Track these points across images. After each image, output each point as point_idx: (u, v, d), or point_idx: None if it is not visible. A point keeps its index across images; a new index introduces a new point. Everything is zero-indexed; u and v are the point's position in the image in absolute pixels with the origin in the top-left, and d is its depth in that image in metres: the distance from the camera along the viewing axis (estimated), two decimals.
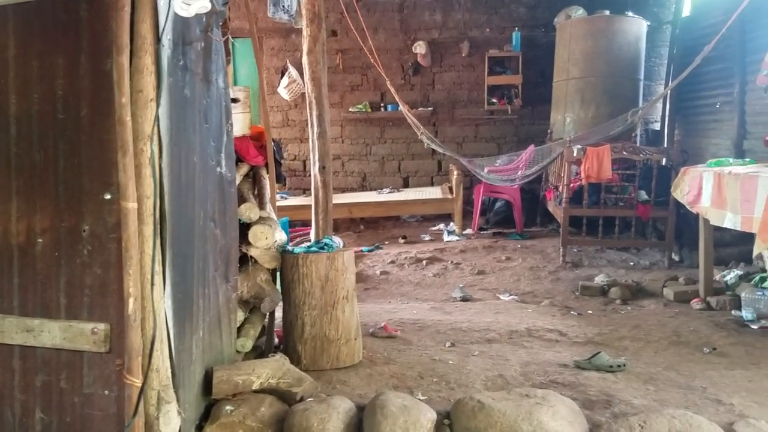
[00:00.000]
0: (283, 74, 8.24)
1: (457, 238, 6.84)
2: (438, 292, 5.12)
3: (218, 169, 2.55)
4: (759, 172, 3.66)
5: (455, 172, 6.95)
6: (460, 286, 5.24)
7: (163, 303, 1.93)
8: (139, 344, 1.85)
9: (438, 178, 8.50)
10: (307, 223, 5.96)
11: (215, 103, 2.54)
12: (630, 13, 6.78)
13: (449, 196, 7.02)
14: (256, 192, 3.11)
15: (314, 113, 5.27)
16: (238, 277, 2.85)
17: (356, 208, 7.02)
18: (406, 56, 8.30)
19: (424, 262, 5.84)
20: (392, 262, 5.89)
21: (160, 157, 1.95)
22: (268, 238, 2.83)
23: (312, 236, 5.41)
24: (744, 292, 4.19)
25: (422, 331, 3.78)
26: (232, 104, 3.04)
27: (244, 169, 3.13)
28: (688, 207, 4.43)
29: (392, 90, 6.80)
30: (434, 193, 7.55)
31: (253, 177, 3.22)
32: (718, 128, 6.30)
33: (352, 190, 8.62)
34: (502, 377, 3.01)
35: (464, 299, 4.80)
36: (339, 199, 7.53)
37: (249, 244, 2.87)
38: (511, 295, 4.96)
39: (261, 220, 2.86)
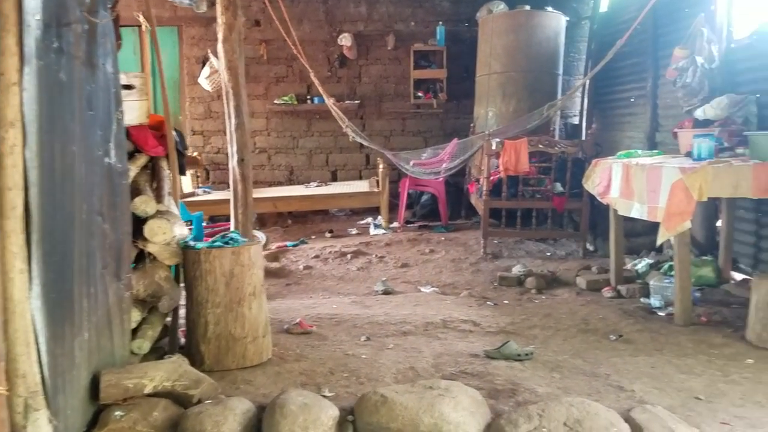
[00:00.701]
0: (204, 64, 7.98)
1: (384, 231, 6.82)
2: (361, 286, 5.07)
3: (106, 160, 2.39)
4: (663, 163, 3.79)
5: (381, 166, 6.92)
6: (383, 279, 5.20)
7: (30, 304, 1.78)
8: (2, 349, 1.70)
9: (366, 172, 8.46)
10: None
11: (102, 89, 2.38)
12: (550, 9, 6.92)
13: (376, 190, 6.98)
14: (154, 185, 2.95)
15: (231, 104, 5.10)
16: (134, 275, 2.71)
17: (281, 202, 6.88)
18: (332, 48, 8.20)
19: (349, 256, 5.79)
20: (316, 256, 5.80)
21: (25, 145, 1.79)
22: (166, 233, 2.69)
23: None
24: (653, 280, 4.35)
25: (339, 326, 3.72)
26: (127, 91, 2.88)
27: (142, 160, 2.97)
28: (598, 198, 4.55)
29: (316, 82, 6.70)
30: (361, 186, 7.50)
31: (153, 169, 3.06)
32: (633, 121, 6.53)
33: (280, 183, 8.47)
34: (413, 369, 2.99)
35: (386, 292, 4.77)
36: (264, 193, 7.38)
37: (146, 239, 2.73)
38: (432, 287, 4.98)
39: (158, 214, 2.72)
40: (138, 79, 2.96)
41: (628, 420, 2.31)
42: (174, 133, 3.17)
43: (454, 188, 7.56)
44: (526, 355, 3.15)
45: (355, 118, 8.33)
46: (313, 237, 6.89)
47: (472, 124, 7.37)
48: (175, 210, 2.98)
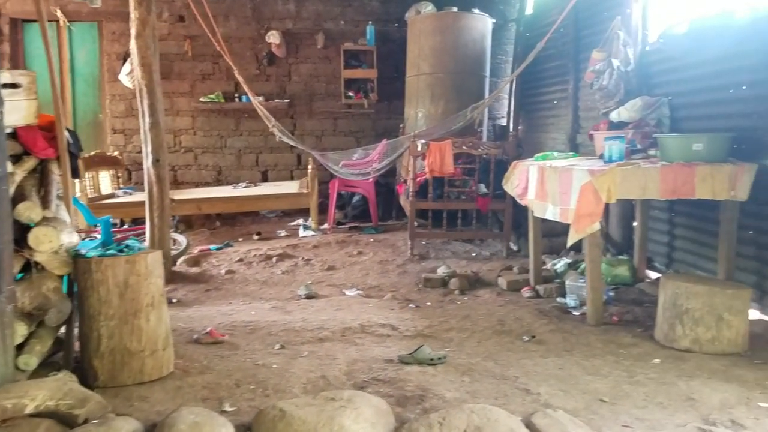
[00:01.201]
0: (125, 60, 7.66)
1: (313, 233, 6.71)
2: (284, 291, 4.96)
3: None
4: (575, 166, 3.86)
5: (310, 167, 6.81)
6: (308, 283, 5.11)
7: None
8: None
9: (298, 172, 8.32)
10: None
11: None
12: (476, 11, 6.98)
13: (305, 191, 6.86)
14: (42, 190, 2.76)
15: (145, 102, 4.91)
16: (19, 287, 2.52)
17: (205, 204, 6.67)
18: (260, 45, 8.03)
19: (274, 259, 5.66)
20: (240, 260, 5.64)
21: None
22: (52, 241, 2.52)
23: (147, 236, 5.04)
24: (568, 280, 4.43)
25: (253, 334, 3.61)
26: (13, 90, 2.68)
27: (30, 163, 2.77)
28: (517, 200, 4.60)
29: (241, 80, 6.53)
30: (291, 187, 7.36)
31: (42, 172, 2.86)
32: (556, 123, 6.67)
33: (207, 184, 8.23)
34: (324, 378, 2.92)
35: (309, 297, 4.67)
36: (188, 194, 7.15)
37: (32, 248, 2.54)
38: (357, 290, 4.91)
39: (44, 221, 2.54)
40: (25, 77, 2.76)
41: (529, 425, 2.30)
42: (67, 133, 2.97)
43: (386, 189, 7.53)
44: (439, 359, 3.13)
45: (286, 118, 8.19)
46: (241, 239, 6.72)
47: (402, 125, 7.36)
48: (65, 216, 2.79)
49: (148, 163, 4.96)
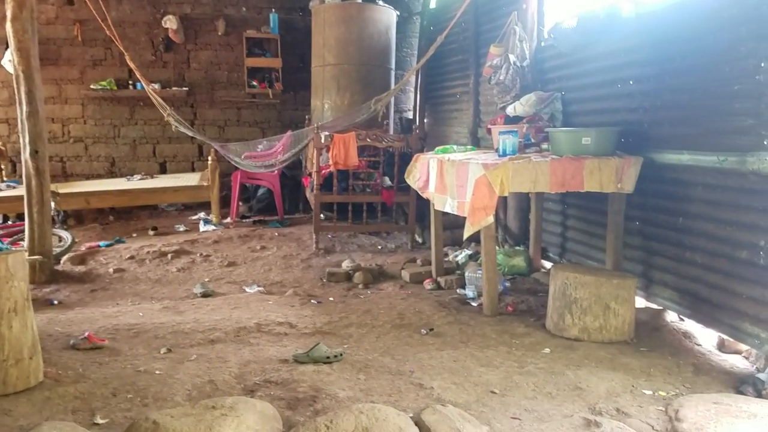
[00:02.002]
0: (7, 46, 7.01)
1: (214, 227, 6.46)
2: (179, 289, 4.73)
3: None
4: (471, 159, 3.89)
5: (210, 158, 6.54)
6: (206, 280, 4.91)
7: None
8: None
9: (200, 164, 7.99)
10: None
11: None
12: (380, 2, 6.92)
13: (205, 183, 6.58)
14: None
15: (23, 89, 4.54)
16: None
17: (94, 198, 6.25)
18: (156, 30, 7.62)
19: (170, 255, 5.38)
20: (132, 257, 5.32)
21: None
22: None
23: (26, 233, 4.66)
24: (468, 271, 4.49)
25: (137, 338, 3.39)
26: None
27: None
28: (419, 193, 4.61)
29: (133, 66, 6.17)
30: (191, 179, 7.05)
31: None
32: (459, 117, 6.76)
33: (99, 176, 7.74)
34: (212, 383, 2.77)
35: (205, 295, 4.48)
36: (76, 187, 6.69)
37: None
38: (258, 286, 4.76)
39: None
40: None
41: (419, 423, 2.28)
42: None
43: (292, 181, 7.38)
44: (335, 357, 3.06)
45: (185, 107, 7.84)
46: (135, 235, 6.36)
47: (307, 116, 7.22)
48: None
49: (26, 154, 4.57)
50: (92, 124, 7.68)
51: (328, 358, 3.04)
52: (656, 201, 3.76)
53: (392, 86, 7.04)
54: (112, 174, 7.75)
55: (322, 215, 6.02)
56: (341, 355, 3.08)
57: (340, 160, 5.44)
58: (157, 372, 2.88)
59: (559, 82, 4.88)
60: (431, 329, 3.55)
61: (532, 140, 4.50)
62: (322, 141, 5.46)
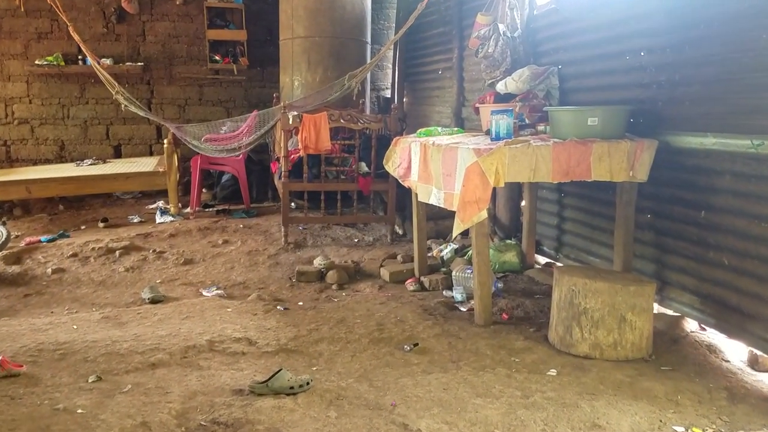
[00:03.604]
0: None
1: (172, 218, 5.84)
2: (125, 294, 4.14)
3: None
4: (460, 143, 3.35)
5: (166, 141, 5.90)
6: (157, 281, 4.33)
7: None
8: None
9: (158, 147, 7.31)
10: None
11: None
12: None
13: (161, 169, 5.95)
14: None
15: None
16: None
17: (36, 186, 5.56)
18: (107, 0, 6.87)
19: (118, 252, 4.76)
20: (74, 254, 4.69)
21: None
22: None
23: None
24: (455, 270, 3.98)
25: (63, 361, 2.81)
26: None
27: None
28: (400, 181, 4.06)
29: (77, 37, 5.49)
30: (147, 164, 6.40)
31: None
32: (441, 96, 6.21)
33: (48, 161, 7.04)
34: (145, 426, 2.22)
35: (154, 301, 3.90)
36: (16, 174, 6.00)
37: None
38: (218, 288, 4.19)
39: None
40: None
41: None
42: None
43: (260, 167, 6.78)
44: (301, 386, 2.52)
45: (141, 84, 7.16)
46: (83, 227, 5.72)
47: (275, 94, 6.60)
48: None
49: None
50: (38, 103, 6.95)
51: (291, 388, 2.50)
52: (672, 191, 3.27)
53: (368, 61, 6.44)
54: (61, 159, 7.05)
55: (292, 204, 5.47)
56: (308, 383, 2.55)
57: (310, 143, 4.86)
58: (79, 411, 2.32)
59: (555, 54, 4.34)
60: (416, 344, 3.03)
61: (527, 121, 3.98)
62: (290, 122, 4.86)
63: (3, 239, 4.63)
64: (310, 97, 5.42)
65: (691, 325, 3.18)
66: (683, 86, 3.17)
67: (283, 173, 5.03)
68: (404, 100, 7.03)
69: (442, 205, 3.40)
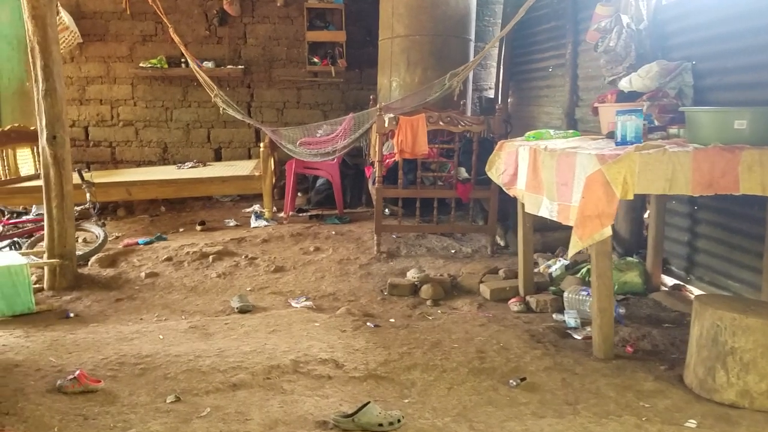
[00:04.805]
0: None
1: (266, 223, 5.75)
2: (215, 301, 4.02)
3: None
4: (578, 148, 2.92)
5: (262, 145, 5.83)
6: (247, 289, 4.19)
7: None
8: None
9: (257, 150, 7.26)
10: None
11: None
12: None
13: (257, 173, 5.88)
14: None
15: (38, 64, 3.92)
16: None
17: (136, 188, 5.65)
18: (209, 2, 6.96)
19: (211, 257, 4.69)
20: (168, 258, 4.67)
21: None
22: None
23: (46, 232, 4.08)
24: (567, 291, 3.53)
25: (143, 377, 2.67)
26: None
27: None
28: (504, 189, 3.66)
29: (177, 39, 5.51)
30: (244, 168, 6.37)
31: None
32: (551, 95, 5.72)
33: (151, 163, 7.22)
34: None
35: (242, 310, 3.74)
36: (116, 176, 6.14)
37: None
38: (307, 299, 3.99)
39: None
40: None
41: None
42: None
43: (354, 171, 6.57)
44: (391, 424, 2.22)
45: (242, 87, 7.18)
46: (182, 230, 5.75)
47: (372, 96, 6.38)
48: None
49: (43, 140, 3.96)
50: (143, 106, 7.14)
51: (380, 425, 2.20)
52: None
53: (472, 60, 6.06)
54: (164, 161, 7.21)
55: (385, 210, 5.20)
56: (399, 421, 2.24)
57: (406, 147, 4.55)
58: None
59: (688, 48, 3.79)
60: (523, 378, 2.63)
61: (656, 122, 3.46)
62: (386, 125, 4.58)
63: (100, 242, 4.69)
64: (408, 98, 5.13)
65: None
66: None
67: (376, 178, 4.77)
68: (509, 100, 6.58)
69: (555, 219, 2.98)
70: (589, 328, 3.21)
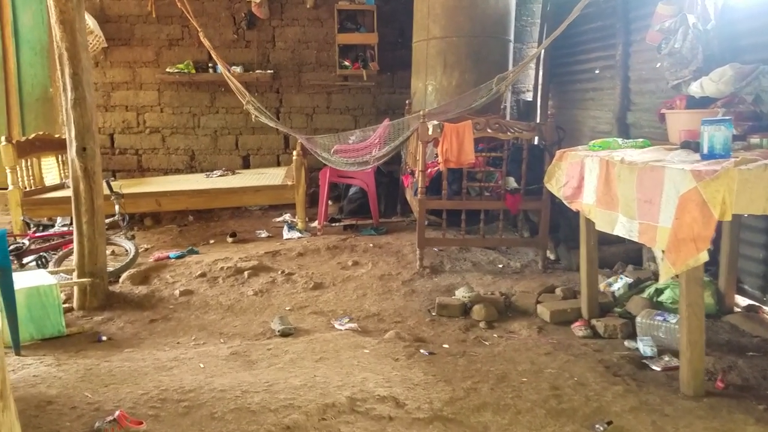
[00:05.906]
0: None
1: (299, 234, 5.53)
2: (254, 321, 3.79)
3: None
4: (663, 161, 2.63)
5: (295, 153, 5.60)
6: (287, 308, 3.96)
7: None
8: None
9: (285, 157, 7.11)
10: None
11: None
12: None
13: (289, 182, 5.65)
14: None
15: (67, 71, 3.71)
16: None
17: (166, 199, 5.44)
18: (237, 5, 6.76)
19: (246, 273, 4.46)
20: (203, 274, 4.45)
21: None
22: None
23: (75, 248, 3.87)
24: (639, 316, 3.25)
25: (188, 417, 2.43)
26: None
27: None
28: (566, 203, 3.39)
29: (207, 44, 5.30)
30: (275, 176, 6.15)
31: None
32: (598, 98, 5.44)
33: (178, 171, 7.03)
34: None
35: (284, 334, 3.50)
36: (144, 186, 5.95)
37: None
38: (350, 320, 3.74)
39: None
40: None
41: None
42: None
43: (388, 179, 6.34)
44: None
45: (270, 92, 6.96)
46: (212, 242, 5.54)
47: (408, 101, 6.13)
48: None
49: (72, 152, 3.76)
50: (169, 112, 6.95)
51: None
52: None
53: (510, 62, 5.79)
54: (191, 169, 7.01)
55: (426, 222, 4.93)
56: None
57: (451, 156, 4.30)
58: None
59: (763, 50, 3.50)
60: (609, 422, 2.36)
61: (734, 131, 3.16)
62: (430, 132, 4.32)
63: (131, 257, 4.48)
64: (451, 103, 4.87)
65: None
66: None
67: (419, 189, 4.51)
68: (549, 103, 6.30)
69: (635, 239, 2.70)
70: (666, 357, 2.94)
